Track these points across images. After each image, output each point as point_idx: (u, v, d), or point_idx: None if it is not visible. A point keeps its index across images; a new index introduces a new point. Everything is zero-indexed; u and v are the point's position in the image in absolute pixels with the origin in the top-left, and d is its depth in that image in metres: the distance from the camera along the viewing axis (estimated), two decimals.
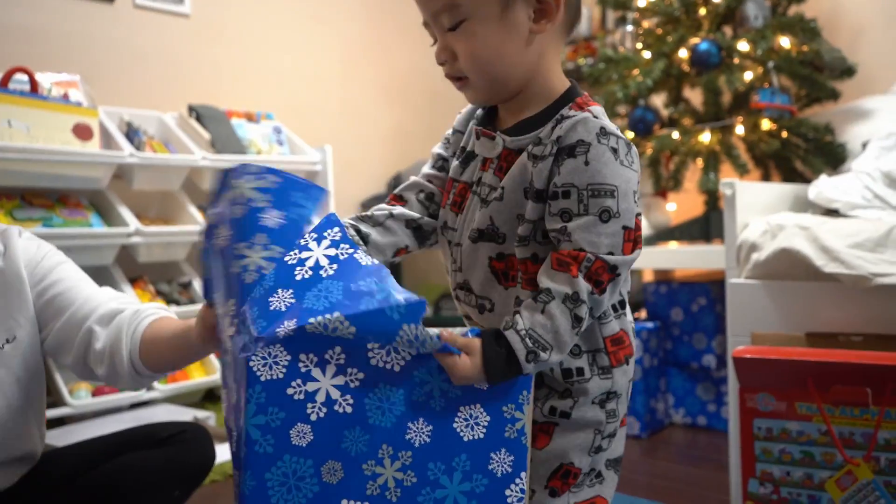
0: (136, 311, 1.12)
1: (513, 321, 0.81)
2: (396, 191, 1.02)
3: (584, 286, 0.79)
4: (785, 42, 2.30)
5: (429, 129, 3.89)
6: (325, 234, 0.83)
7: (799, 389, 1.40)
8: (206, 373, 2.59)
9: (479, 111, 0.98)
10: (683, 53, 2.37)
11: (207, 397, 2.72)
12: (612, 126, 0.84)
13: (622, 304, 0.91)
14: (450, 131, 1.03)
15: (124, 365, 1.08)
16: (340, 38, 3.56)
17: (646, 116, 2.40)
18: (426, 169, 1.03)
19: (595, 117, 0.84)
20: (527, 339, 0.79)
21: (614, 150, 0.81)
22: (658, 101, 2.64)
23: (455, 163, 0.98)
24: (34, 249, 1.16)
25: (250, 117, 2.97)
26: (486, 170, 0.92)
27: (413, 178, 1.03)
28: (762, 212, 1.87)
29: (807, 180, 2.38)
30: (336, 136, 3.44)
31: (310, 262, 0.80)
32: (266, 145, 2.93)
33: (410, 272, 3.72)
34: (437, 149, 1.04)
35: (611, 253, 0.80)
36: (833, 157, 2.28)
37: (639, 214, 0.84)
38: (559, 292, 0.80)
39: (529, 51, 0.86)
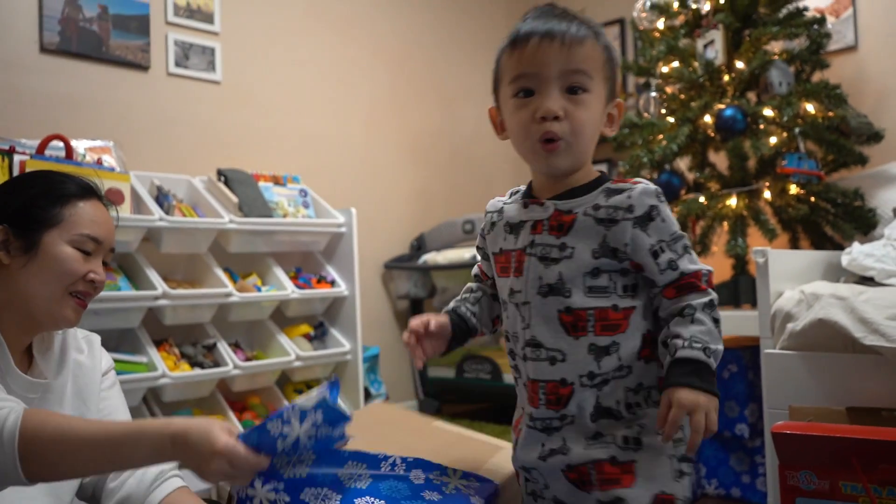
0: (159, 472, 1.26)
1: (673, 344, 0.97)
2: (474, 274, 1.23)
3: (714, 294, 1.00)
4: (810, 108, 2.31)
5: (450, 191, 3.93)
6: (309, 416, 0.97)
7: (843, 468, 1.35)
8: None
9: (506, 201, 1.15)
10: (708, 119, 2.38)
11: None
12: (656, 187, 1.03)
13: None
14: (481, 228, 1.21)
15: None
16: (364, 101, 3.63)
17: (672, 181, 2.40)
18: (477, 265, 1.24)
19: (647, 185, 1.03)
20: (696, 345, 0.95)
21: (665, 203, 1.02)
22: (682, 164, 2.65)
23: (502, 237, 1.11)
24: (106, 360, 1.33)
25: (277, 180, 3.01)
26: (539, 232, 1.05)
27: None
28: (794, 279, 1.84)
29: (836, 245, 2.36)
30: (360, 197, 3.47)
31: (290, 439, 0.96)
32: (292, 208, 2.96)
33: None
34: (478, 242, 1.21)
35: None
36: (863, 223, 2.26)
37: None
38: (699, 304, 0.98)
39: (596, 140, 1.06)
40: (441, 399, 3.54)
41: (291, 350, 2.77)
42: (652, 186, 1.02)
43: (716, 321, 0.99)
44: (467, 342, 1.16)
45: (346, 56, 3.57)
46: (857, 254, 1.91)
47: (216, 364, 2.58)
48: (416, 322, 1.10)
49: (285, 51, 3.34)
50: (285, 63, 3.34)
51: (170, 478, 1.27)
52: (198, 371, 2.48)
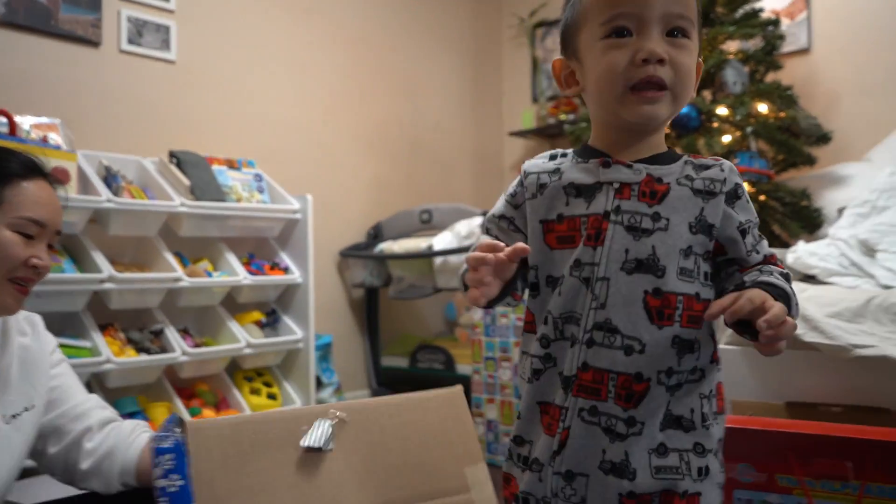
0: (134, 426, 1.27)
1: (751, 277, 0.88)
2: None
3: (789, 272, 0.91)
4: (763, 108, 2.35)
5: (409, 181, 3.91)
6: (159, 459, 0.91)
7: (780, 461, 1.38)
8: None
9: (558, 162, 0.98)
10: None
11: None
12: None
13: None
14: (514, 185, 1.01)
15: (114, 472, 1.21)
16: (323, 87, 3.58)
17: None
18: (490, 234, 1.01)
19: (731, 163, 0.96)
20: (779, 279, 0.86)
21: None
22: None
23: (563, 200, 0.94)
24: (50, 338, 1.32)
25: (232, 164, 2.95)
26: (627, 197, 0.91)
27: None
28: None
29: (784, 243, 2.41)
30: (316, 184, 3.43)
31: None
32: (247, 193, 2.91)
33: (388, 322, 3.68)
34: (501, 211, 1.00)
35: None
36: (810, 222, 2.31)
37: None
38: (776, 269, 0.89)
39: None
40: (394, 389, 3.53)
41: (242, 337, 2.73)
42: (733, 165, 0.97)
43: (794, 292, 0.88)
44: (505, 298, 0.94)
45: (307, 40, 3.52)
46: (801, 252, 1.95)
47: (163, 350, 2.53)
48: (490, 242, 0.87)
49: (244, 32, 3.28)
50: (243, 44, 3.28)
51: (144, 431, 1.28)
52: (144, 357, 2.43)
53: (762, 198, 2.34)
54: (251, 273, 2.85)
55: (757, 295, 0.80)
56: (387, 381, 3.52)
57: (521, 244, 0.86)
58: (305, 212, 3.00)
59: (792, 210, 2.33)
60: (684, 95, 0.91)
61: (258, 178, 2.99)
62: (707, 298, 0.90)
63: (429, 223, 3.46)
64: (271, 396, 2.89)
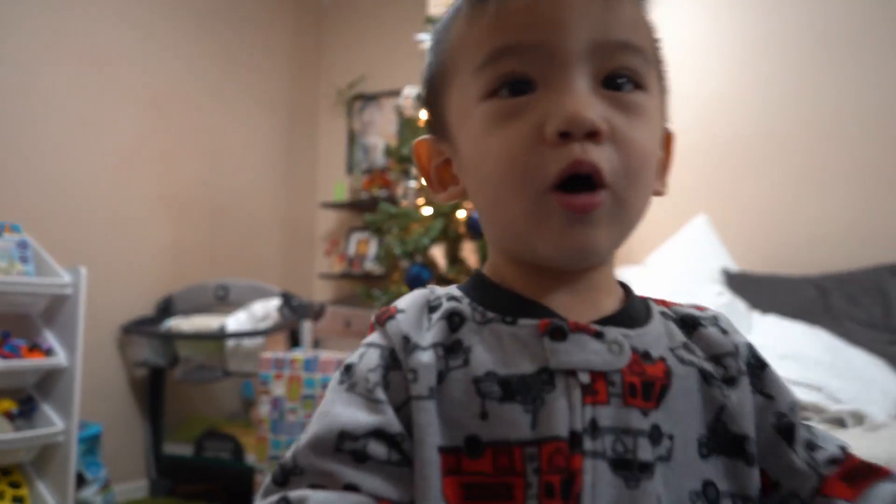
0: None
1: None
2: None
3: None
4: None
5: (209, 248, 3.67)
6: None
7: None
8: None
9: (452, 314, 0.49)
10: (461, 214, 2.42)
11: None
12: None
13: None
14: (374, 363, 0.48)
15: None
16: (114, 144, 3.28)
17: (422, 275, 2.40)
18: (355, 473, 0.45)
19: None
20: None
21: None
22: (439, 253, 2.67)
23: (496, 408, 0.46)
24: None
25: None
26: (603, 400, 0.46)
27: None
28: None
29: None
30: (100, 250, 3.12)
31: None
32: (6, 263, 2.56)
33: (174, 403, 3.38)
34: (367, 423, 0.45)
35: None
36: None
37: None
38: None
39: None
40: (175, 480, 3.23)
41: None
42: None
43: None
44: None
45: (98, 92, 3.23)
46: None
47: None
48: None
49: (19, 76, 2.94)
50: (17, 91, 2.93)
51: None
52: None
53: None
54: (2, 356, 2.49)
55: None
56: (168, 471, 3.21)
57: None
58: (77, 286, 2.68)
59: None
60: (636, 202, 0.50)
61: (23, 245, 2.65)
62: None
63: (224, 299, 3.25)
64: (17, 500, 2.51)
